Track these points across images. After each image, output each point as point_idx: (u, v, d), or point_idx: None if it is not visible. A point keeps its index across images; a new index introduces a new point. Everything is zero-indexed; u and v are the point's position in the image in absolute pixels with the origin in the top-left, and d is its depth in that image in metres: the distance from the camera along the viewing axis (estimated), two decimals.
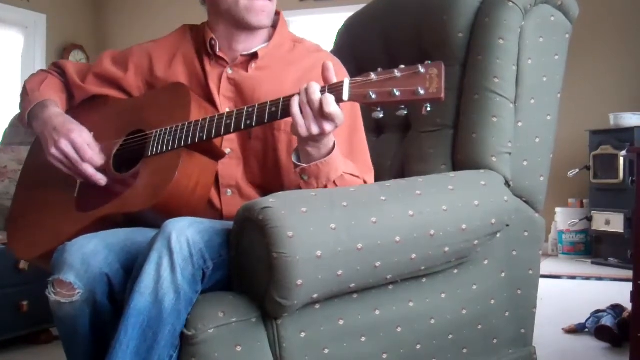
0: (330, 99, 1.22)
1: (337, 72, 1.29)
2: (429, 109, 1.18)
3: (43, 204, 1.55)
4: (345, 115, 1.27)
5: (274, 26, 1.56)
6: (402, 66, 1.19)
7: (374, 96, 1.19)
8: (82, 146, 1.44)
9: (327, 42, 2.06)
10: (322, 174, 1.32)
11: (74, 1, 6.17)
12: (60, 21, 5.94)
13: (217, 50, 1.51)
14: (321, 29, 5.62)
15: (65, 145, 1.43)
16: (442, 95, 1.16)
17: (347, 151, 1.44)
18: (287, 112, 1.27)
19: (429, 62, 1.18)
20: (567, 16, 1.62)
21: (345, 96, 1.22)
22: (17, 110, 1.64)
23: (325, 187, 1.34)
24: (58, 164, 1.46)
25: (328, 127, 1.24)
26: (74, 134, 1.44)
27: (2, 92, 5.43)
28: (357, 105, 1.51)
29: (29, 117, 1.54)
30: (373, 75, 1.21)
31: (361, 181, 1.45)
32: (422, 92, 1.16)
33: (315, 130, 1.24)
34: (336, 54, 1.92)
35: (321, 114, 1.22)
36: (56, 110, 1.52)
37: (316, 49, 1.58)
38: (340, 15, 2.13)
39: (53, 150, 1.44)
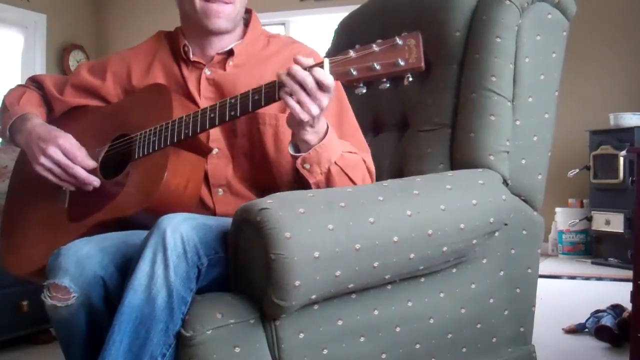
0: (320, 70, 1.21)
1: (315, 59, 1.28)
2: (410, 79, 1.19)
3: (34, 218, 1.53)
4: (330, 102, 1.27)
5: (247, 24, 1.56)
6: (379, 40, 1.20)
7: (355, 72, 1.20)
8: (72, 150, 1.43)
9: (327, 43, 2.06)
10: (323, 158, 1.33)
11: (74, 1, 6.17)
12: (60, 21, 5.93)
13: (191, 56, 1.51)
14: (321, 29, 5.62)
15: (54, 151, 1.42)
16: (423, 64, 1.17)
17: (338, 136, 1.43)
18: (270, 98, 1.27)
19: (405, 33, 1.18)
20: (565, 14, 1.62)
21: None
22: None
23: (328, 171, 1.34)
24: (47, 173, 1.44)
25: (325, 100, 1.24)
26: (61, 140, 1.44)
27: (3, 92, 5.43)
28: (341, 89, 1.51)
29: (10, 132, 1.53)
30: (352, 53, 1.21)
31: (360, 158, 1.45)
32: (402, 63, 1.17)
33: (314, 110, 1.24)
34: (334, 53, 1.91)
35: (318, 87, 1.22)
36: (38, 121, 1.52)
37: (291, 41, 1.59)
38: (340, 15, 2.12)
39: (42, 159, 1.43)
